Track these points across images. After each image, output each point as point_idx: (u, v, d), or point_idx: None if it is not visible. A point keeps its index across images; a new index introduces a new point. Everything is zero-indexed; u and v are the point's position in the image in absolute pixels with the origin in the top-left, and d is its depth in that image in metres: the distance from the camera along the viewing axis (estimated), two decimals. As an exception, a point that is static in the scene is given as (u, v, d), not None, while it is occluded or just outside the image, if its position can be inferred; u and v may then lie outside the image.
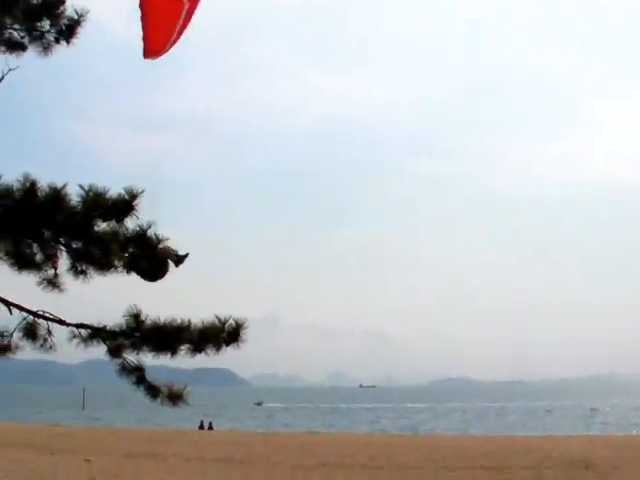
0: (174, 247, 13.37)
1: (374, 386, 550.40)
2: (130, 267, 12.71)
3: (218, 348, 12.35)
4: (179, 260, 13.26)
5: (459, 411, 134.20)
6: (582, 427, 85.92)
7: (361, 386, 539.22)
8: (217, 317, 12.25)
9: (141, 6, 11.98)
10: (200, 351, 12.46)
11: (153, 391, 12.81)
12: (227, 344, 12.29)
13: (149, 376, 12.79)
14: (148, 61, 12.19)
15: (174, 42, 12.40)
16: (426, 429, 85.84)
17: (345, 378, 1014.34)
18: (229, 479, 29.96)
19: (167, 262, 13.22)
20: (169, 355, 12.42)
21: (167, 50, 12.49)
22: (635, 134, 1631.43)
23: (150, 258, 12.94)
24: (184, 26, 12.28)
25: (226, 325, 12.19)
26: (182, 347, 12.32)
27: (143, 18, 11.98)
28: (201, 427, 77.79)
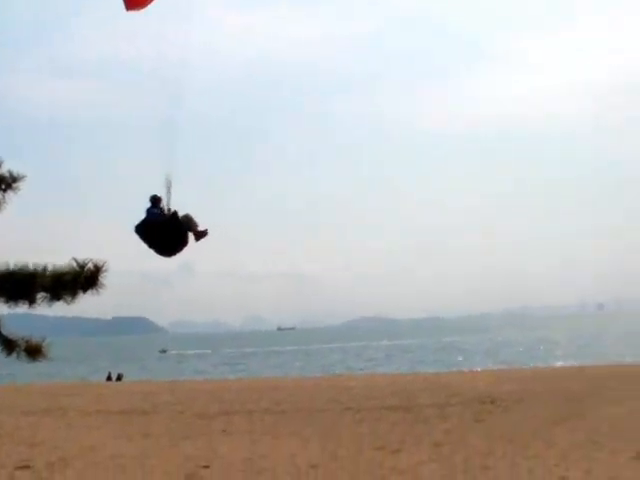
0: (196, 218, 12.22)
1: (293, 328, 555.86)
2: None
3: (74, 294, 11.29)
4: (200, 234, 12.34)
5: (373, 350, 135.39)
6: (491, 362, 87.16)
7: (279, 329, 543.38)
8: (76, 261, 11.14)
9: None
10: (58, 298, 11.37)
11: (9, 345, 11.71)
12: (85, 290, 11.24)
13: (5, 329, 11.73)
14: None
15: None
16: (338, 370, 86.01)
17: (264, 322, 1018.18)
18: (128, 430, 28.89)
19: (187, 235, 12.11)
20: (26, 304, 11.36)
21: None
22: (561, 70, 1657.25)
23: (171, 228, 11.86)
24: None
25: (85, 269, 11.12)
26: (38, 295, 11.26)
27: None
28: (109, 379, 76.20)
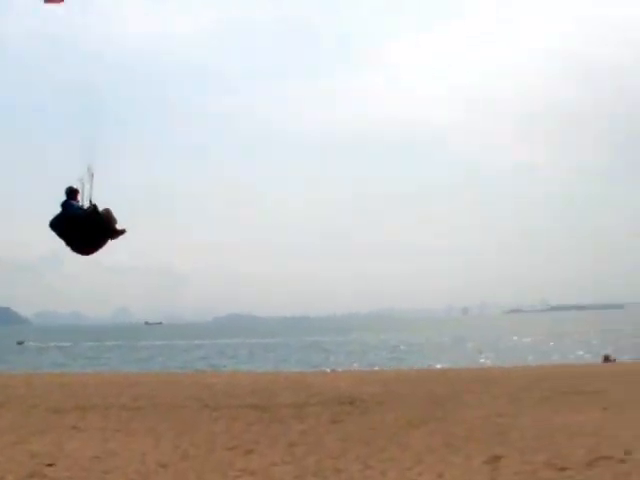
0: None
1: (160, 323, 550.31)
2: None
3: None
4: (118, 233, 11.55)
5: (237, 347, 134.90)
6: (354, 363, 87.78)
7: (147, 323, 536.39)
8: None
9: None
10: None
11: None
12: None
13: None
14: None
15: None
16: (201, 366, 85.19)
17: (131, 315, 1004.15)
18: (-25, 425, 27.67)
19: (108, 232, 11.18)
20: None
21: None
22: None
23: (92, 224, 10.88)
24: None
25: None
26: None
27: None
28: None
